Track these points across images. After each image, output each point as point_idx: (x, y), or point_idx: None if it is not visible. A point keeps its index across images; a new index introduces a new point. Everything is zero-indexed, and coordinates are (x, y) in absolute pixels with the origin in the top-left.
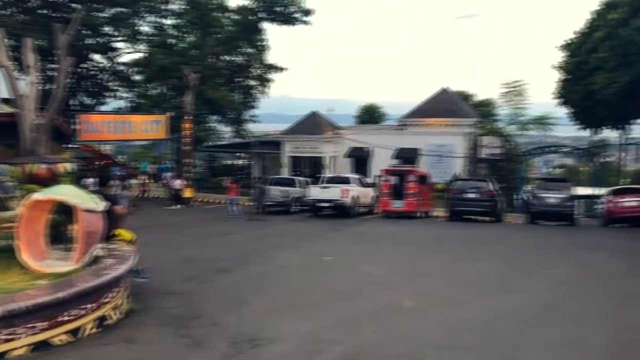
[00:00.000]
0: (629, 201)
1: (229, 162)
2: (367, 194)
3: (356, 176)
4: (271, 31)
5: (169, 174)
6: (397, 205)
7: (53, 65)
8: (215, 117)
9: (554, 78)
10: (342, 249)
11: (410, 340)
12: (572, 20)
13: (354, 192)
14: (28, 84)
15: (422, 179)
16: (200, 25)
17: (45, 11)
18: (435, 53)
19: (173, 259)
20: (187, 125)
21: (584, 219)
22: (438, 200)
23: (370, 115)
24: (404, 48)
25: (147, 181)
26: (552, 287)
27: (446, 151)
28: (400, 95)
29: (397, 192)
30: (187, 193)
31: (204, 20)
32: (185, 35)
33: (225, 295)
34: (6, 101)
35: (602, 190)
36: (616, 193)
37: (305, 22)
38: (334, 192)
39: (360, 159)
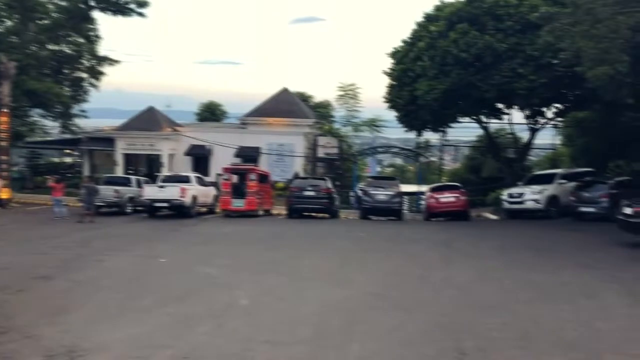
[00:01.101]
0: (447, 197)
1: (57, 159)
2: (207, 193)
3: (196, 175)
4: (106, 22)
5: None
6: (238, 204)
7: None
8: (38, 111)
9: (385, 83)
10: (179, 250)
11: (242, 338)
12: (402, 29)
13: (193, 191)
14: None
15: (263, 178)
16: (19, 9)
17: None
18: (275, 55)
19: None
20: (2, 119)
21: (409, 214)
22: (279, 199)
23: (210, 113)
24: (244, 47)
25: None
26: (380, 277)
27: (287, 150)
28: (241, 94)
29: (238, 191)
30: (3, 194)
31: (23, 4)
32: (1, 19)
33: (43, 304)
34: None
35: (424, 188)
36: (436, 190)
37: (140, 14)
38: (171, 192)
39: (200, 157)
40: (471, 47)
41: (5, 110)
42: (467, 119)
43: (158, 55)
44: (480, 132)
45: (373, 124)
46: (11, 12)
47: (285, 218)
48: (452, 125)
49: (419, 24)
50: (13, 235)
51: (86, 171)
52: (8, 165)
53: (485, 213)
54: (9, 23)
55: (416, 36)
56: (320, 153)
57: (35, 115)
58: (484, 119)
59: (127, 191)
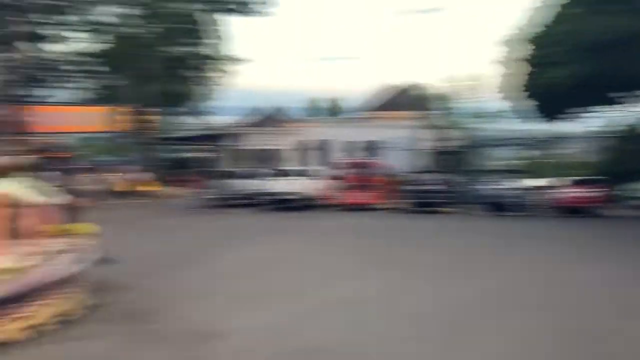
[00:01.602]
0: (582, 192)
1: (191, 154)
2: (329, 187)
3: (319, 168)
4: (230, 22)
5: (130, 167)
6: (360, 197)
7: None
8: (175, 109)
9: (499, 72)
10: (306, 241)
11: (373, 332)
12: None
13: (316, 184)
14: None
15: (385, 172)
16: (158, 15)
17: None
18: (391, 48)
19: (134, 253)
20: (151, 117)
21: (541, 209)
22: (400, 193)
23: (334, 107)
24: (357, 42)
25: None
26: (508, 275)
27: (408, 144)
28: (361, 90)
29: (360, 185)
30: (152, 187)
31: (162, 9)
32: (146, 26)
33: (186, 289)
34: None
35: (557, 181)
36: (570, 184)
37: (267, 14)
38: (296, 185)
39: (322, 152)
40: (617, 30)
41: (153, 110)
42: (609, 107)
43: (271, 54)
44: (625, 121)
45: (499, 114)
46: (151, 18)
47: (406, 212)
48: (593, 113)
49: (562, 6)
50: (153, 226)
51: (218, 165)
52: (155, 160)
53: (628, 209)
54: (151, 29)
55: (558, 19)
56: (443, 146)
57: (173, 112)
58: (629, 106)
59: (257, 184)
